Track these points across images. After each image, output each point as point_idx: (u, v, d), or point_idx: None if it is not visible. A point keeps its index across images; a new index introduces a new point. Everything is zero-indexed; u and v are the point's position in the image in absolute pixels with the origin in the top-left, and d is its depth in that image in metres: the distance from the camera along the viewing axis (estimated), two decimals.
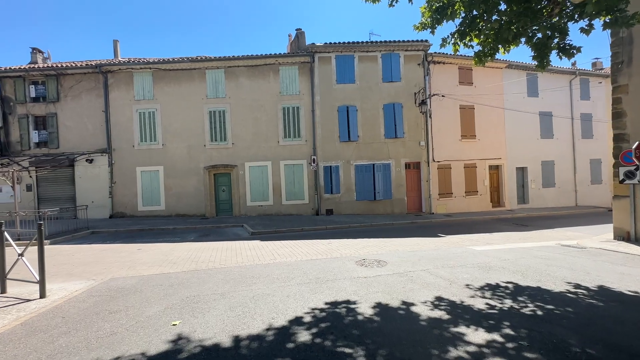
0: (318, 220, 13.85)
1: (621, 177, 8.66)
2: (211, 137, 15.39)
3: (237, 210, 15.41)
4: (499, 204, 17.39)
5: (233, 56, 15.08)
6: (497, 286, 4.92)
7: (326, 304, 4.17)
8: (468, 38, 6.66)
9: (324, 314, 3.83)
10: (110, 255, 8.02)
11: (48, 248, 9.19)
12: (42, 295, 4.51)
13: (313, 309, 3.97)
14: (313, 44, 15.03)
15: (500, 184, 17.51)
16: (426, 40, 15.22)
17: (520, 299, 4.33)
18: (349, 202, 15.44)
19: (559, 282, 5.14)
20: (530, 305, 4.07)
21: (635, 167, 8.35)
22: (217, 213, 15.65)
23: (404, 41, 15.26)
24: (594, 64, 22.88)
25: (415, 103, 15.55)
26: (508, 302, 4.18)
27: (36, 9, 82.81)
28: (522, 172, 18.04)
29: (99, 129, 15.27)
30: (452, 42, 6.77)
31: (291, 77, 15.48)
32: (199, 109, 15.37)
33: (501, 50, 6.55)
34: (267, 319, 3.67)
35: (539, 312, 3.83)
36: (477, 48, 6.73)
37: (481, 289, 4.78)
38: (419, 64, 15.66)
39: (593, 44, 71.10)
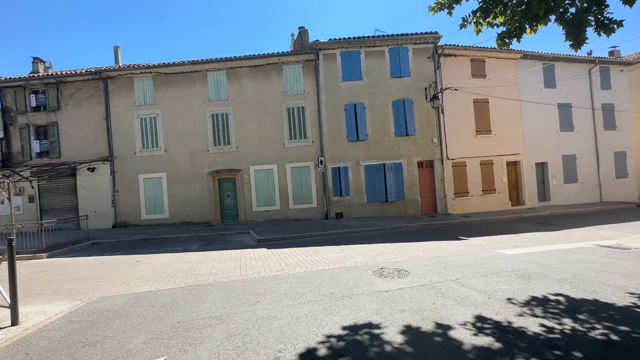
0: (328, 224, 13.13)
1: None
2: (214, 141, 14.86)
3: (243, 216, 14.80)
4: (519, 202, 16.41)
5: (234, 57, 14.56)
6: (546, 300, 4.13)
7: (344, 328, 3.45)
8: (492, 16, 5.93)
9: (342, 343, 3.12)
10: (106, 268, 7.43)
11: (45, 262, 8.70)
12: (14, 322, 3.91)
13: (328, 337, 3.26)
14: (317, 40, 14.42)
15: (519, 180, 16.54)
16: (436, 32, 14.47)
17: (580, 317, 3.55)
18: (359, 205, 14.69)
19: (618, 292, 4.33)
20: (597, 326, 3.29)
21: None
22: (223, 220, 15.07)
23: (412, 34, 14.54)
24: (611, 53, 21.73)
25: (426, 98, 14.78)
26: (568, 323, 3.40)
27: (38, 19, 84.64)
28: (541, 167, 17.04)
29: (100, 137, 14.88)
30: (474, 21, 6.04)
31: (295, 76, 14.88)
32: (201, 113, 14.87)
33: (527, 30, 5.81)
34: (272, 353, 2.98)
35: (614, 337, 3.04)
36: (501, 29, 6.03)
37: (527, 304, 4.00)
38: (428, 58, 14.90)
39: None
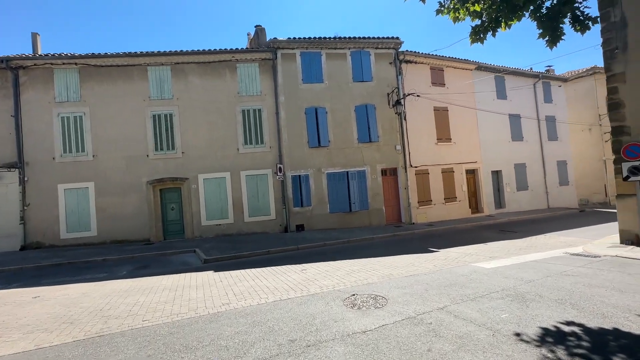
0: (287, 238, 11.83)
1: (625, 173, 7.77)
2: (156, 146, 12.89)
3: (190, 231, 12.91)
4: (477, 209, 16.58)
5: (180, 51, 12.89)
6: (561, 333, 3.32)
7: None
8: (470, 3, 5.35)
9: None
10: None
11: None
12: None
13: None
14: (275, 38, 13.34)
15: (477, 188, 16.76)
16: (397, 37, 14.20)
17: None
18: (321, 216, 13.62)
19: (632, 316, 3.68)
20: None
21: None
22: (165, 236, 13.01)
23: (374, 38, 14.11)
24: (547, 71, 23.62)
25: (389, 104, 14.35)
26: None
27: None
28: (497, 175, 17.50)
29: (7, 138, 12.13)
30: (452, 7, 5.42)
31: (251, 76, 13.59)
32: (140, 113, 12.86)
33: (502, 25, 5.32)
34: None
35: None
36: (476, 22, 5.49)
37: (543, 341, 3.14)
38: (390, 63, 14.57)
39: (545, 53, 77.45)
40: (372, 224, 13.95)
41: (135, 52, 12.69)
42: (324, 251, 9.69)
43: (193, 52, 12.98)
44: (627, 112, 7.88)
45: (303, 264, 7.81)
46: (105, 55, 12.57)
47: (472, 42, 5.52)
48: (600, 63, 27.63)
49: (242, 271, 7.41)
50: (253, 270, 7.47)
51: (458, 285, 5.25)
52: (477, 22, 5.45)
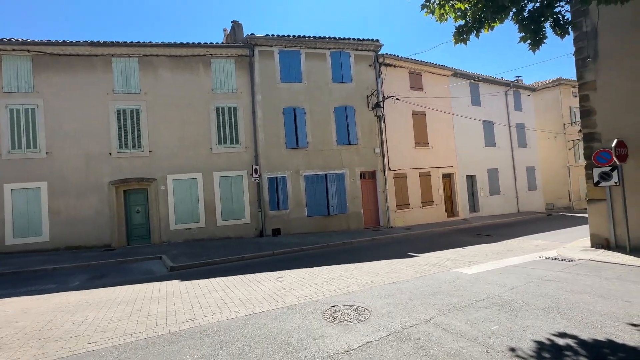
0: (263, 243, 11.27)
1: (596, 179, 7.97)
2: (120, 143, 11.91)
3: (157, 236, 12.00)
4: (453, 213, 16.80)
5: (150, 42, 12.04)
6: (556, 347, 3.10)
7: None
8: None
9: None
10: None
11: None
12: None
13: None
14: (252, 34, 12.82)
15: (453, 192, 16.99)
16: (377, 40, 14.13)
17: None
18: (299, 219, 13.17)
19: (621, 325, 3.55)
20: None
21: (610, 167, 7.71)
22: (129, 241, 12.02)
23: (354, 39, 13.94)
24: (516, 80, 24.68)
25: (368, 106, 14.21)
26: None
27: None
28: (471, 180, 17.87)
29: None
30: (438, 3, 5.26)
31: (226, 72, 12.95)
32: (103, 107, 11.84)
33: (486, 27, 5.24)
34: None
35: None
36: (459, 23, 5.37)
37: (540, 357, 2.91)
38: (370, 65, 14.46)
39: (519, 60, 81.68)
40: (351, 228, 13.68)
41: (99, 41, 11.70)
42: (301, 256, 9.25)
43: (164, 45, 12.17)
44: (597, 119, 8.12)
45: (279, 271, 7.33)
46: (64, 43, 11.48)
47: (456, 42, 5.39)
48: (565, 75, 29.20)
49: (212, 280, 6.82)
50: (224, 278, 6.89)
51: (442, 293, 5.00)
52: (461, 22, 5.33)
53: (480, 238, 11.42)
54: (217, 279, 6.92)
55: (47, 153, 11.38)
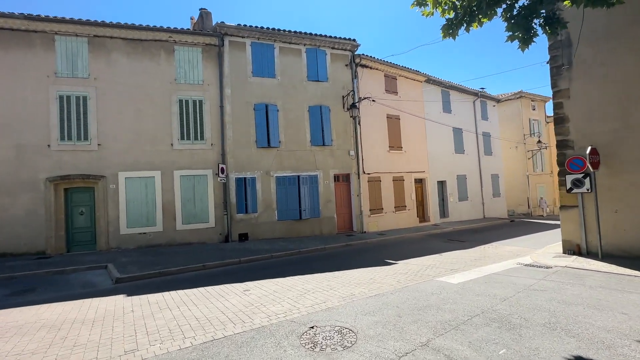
0: (228, 249, 10.25)
1: (569, 185, 8.04)
2: (62, 134, 10.32)
3: (104, 241, 10.51)
4: (424, 218, 16.79)
5: (103, 22, 10.64)
6: None
7: None
8: None
9: None
10: None
11: None
12: None
13: None
14: (222, 23, 11.84)
15: (424, 198, 17.01)
16: (354, 39, 13.76)
17: None
18: (268, 224, 12.27)
19: (632, 344, 3.21)
20: None
21: (582, 174, 7.80)
22: (70, 247, 10.40)
23: (331, 37, 13.45)
24: (481, 89, 25.73)
25: (344, 107, 13.75)
26: None
27: None
28: (442, 185, 18.05)
29: None
30: None
31: (192, 62, 11.82)
32: (42, 91, 10.21)
33: (476, 22, 4.93)
34: None
35: None
36: (448, 16, 5.02)
37: None
38: (346, 65, 14.03)
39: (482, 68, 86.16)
40: (323, 233, 13.03)
41: (39, 15, 10.11)
42: (272, 264, 8.42)
43: (119, 25, 10.81)
44: (571, 127, 8.22)
45: (246, 282, 6.47)
46: None
47: (444, 36, 5.05)
48: (525, 88, 30.90)
49: (166, 294, 5.80)
50: (181, 292, 5.90)
51: (433, 307, 4.48)
52: (450, 16, 4.97)
53: (454, 244, 11.29)
54: (173, 292, 5.91)
55: None
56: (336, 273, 7.01)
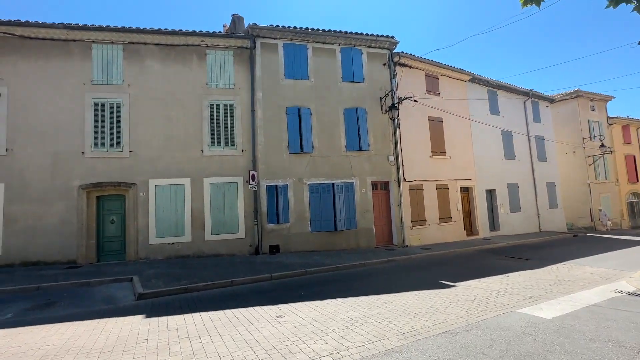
0: (258, 263, 9.43)
1: None
2: (95, 141, 10.22)
3: (133, 251, 10.14)
4: (472, 231, 15.06)
5: (137, 28, 10.57)
6: None
7: None
8: None
9: None
10: None
11: None
12: None
13: None
14: (254, 24, 11.40)
15: (471, 208, 15.31)
16: (392, 37, 12.77)
17: None
18: (301, 235, 11.36)
19: None
20: None
21: None
22: (100, 257, 10.14)
23: (367, 34, 12.57)
24: (534, 90, 23.47)
25: (382, 109, 12.69)
26: None
27: None
28: (490, 195, 16.23)
29: None
30: None
31: (223, 65, 11.44)
32: (78, 99, 10.22)
33: None
34: None
35: None
36: None
37: None
38: (384, 64, 13.04)
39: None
40: (361, 246, 11.87)
41: (78, 24, 10.20)
42: (306, 282, 7.43)
43: (154, 31, 10.69)
44: None
45: (279, 305, 5.52)
46: (36, 24, 9.96)
47: (524, 4, 3.94)
48: (584, 87, 27.39)
49: (189, 317, 5.00)
50: (205, 315, 5.07)
51: (533, 356, 3.23)
52: None
53: (516, 262, 9.66)
54: (196, 315, 5.09)
55: (7, 150, 9.65)
56: (385, 297, 5.86)
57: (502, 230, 16.03)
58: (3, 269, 8.99)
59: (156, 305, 5.94)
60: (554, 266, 8.87)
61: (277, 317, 4.88)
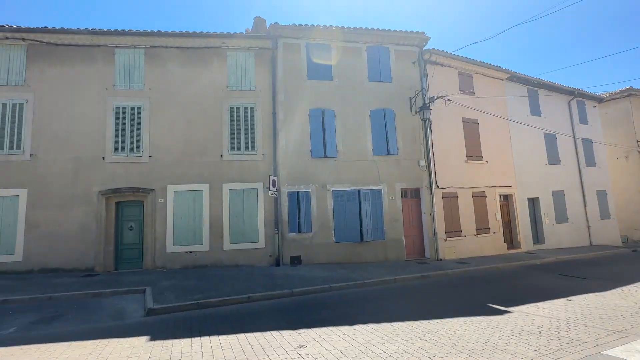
0: (278, 275, 8.71)
1: None
2: (116, 146, 10.04)
3: (151, 259, 9.76)
4: (513, 244, 13.60)
5: (159, 31, 10.41)
6: None
7: None
8: None
9: None
10: None
11: None
12: None
13: None
14: (276, 24, 10.95)
15: (511, 218, 13.88)
16: (422, 32, 11.90)
17: None
18: (324, 246, 10.56)
19: None
20: None
21: None
22: (117, 265, 9.84)
23: (395, 31, 11.78)
24: (578, 89, 21.55)
25: (412, 110, 11.77)
26: None
27: None
28: (533, 203, 14.69)
29: None
30: None
31: (244, 67, 11.04)
32: (100, 104, 10.13)
33: None
34: None
35: None
36: None
37: None
38: (413, 62, 12.16)
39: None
40: (389, 259, 10.88)
41: (102, 29, 10.18)
42: (331, 300, 6.61)
43: (175, 34, 10.49)
44: None
45: (300, 330, 4.74)
46: (63, 31, 10.02)
47: None
48: (636, 85, 24.26)
49: (197, 342, 4.33)
50: (215, 340, 4.38)
51: None
52: None
53: (573, 281, 8.33)
54: (205, 340, 4.42)
55: (31, 155, 9.65)
56: (426, 324, 4.93)
57: (547, 243, 14.40)
58: (22, 276, 8.85)
59: (165, 323, 5.34)
60: (624, 288, 7.49)
61: (298, 347, 4.10)
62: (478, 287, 7.79)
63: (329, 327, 4.86)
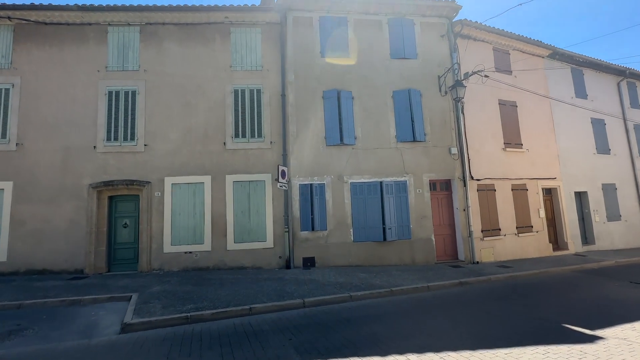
0: (289, 281, 7.42)
1: None
2: (108, 134, 9.03)
3: (146, 261, 8.67)
4: (558, 245, 11.81)
5: (155, 5, 9.32)
6: None
7: None
8: None
9: None
10: None
11: None
12: None
13: None
14: None
15: (555, 215, 12.08)
16: (452, 1, 10.34)
17: None
18: (341, 246, 9.20)
19: None
20: None
21: None
22: (111, 266, 8.82)
23: (421, 1, 10.27)
24: (629, 68, 19.25)
25: (440, 90, 10.25)
26: None
27: None
28: (580, 198, 12.83)
29: None
30: None
31: (249, 45, 9.82)
32: (92, 87, 9.15)
33: None
34: None
35: None
36: None
37: None
38: (442, 36, 10.62)
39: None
40: (417, 262, 9.41)
41: (93, 5, 9.18)
42: (353, 314, 5.24)
43: (173, 8, 9.39)
44: None
45: None
46: (51, 7, 9.08)
47: None
48: None
49: None
50: None
51: None
52: None
53: None
54: None
55: (17, 145, 8.76)
56: (489, 356, 3.50)
57: (598, 243, 12.50)
58: (5, 278, 7.94)
59: (138, 345, 4.15)
60: None
61: None
62: (534, 298, 6.25)
63: (349, 357, 3.51)
